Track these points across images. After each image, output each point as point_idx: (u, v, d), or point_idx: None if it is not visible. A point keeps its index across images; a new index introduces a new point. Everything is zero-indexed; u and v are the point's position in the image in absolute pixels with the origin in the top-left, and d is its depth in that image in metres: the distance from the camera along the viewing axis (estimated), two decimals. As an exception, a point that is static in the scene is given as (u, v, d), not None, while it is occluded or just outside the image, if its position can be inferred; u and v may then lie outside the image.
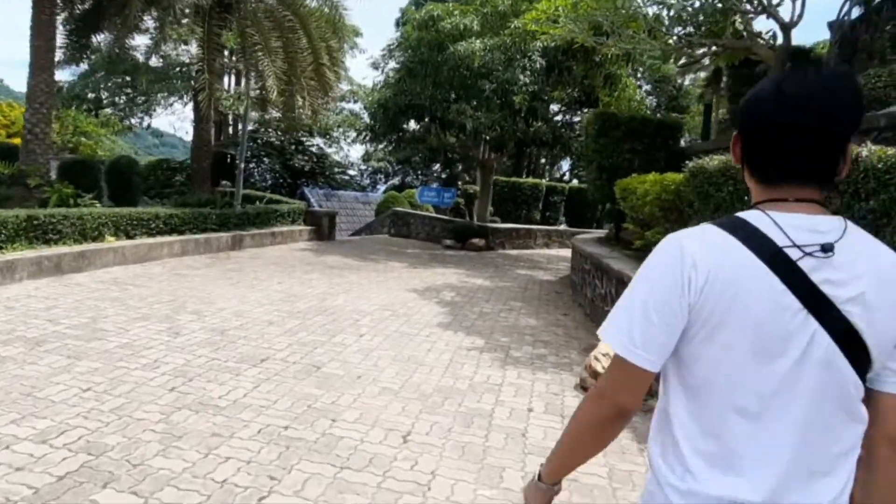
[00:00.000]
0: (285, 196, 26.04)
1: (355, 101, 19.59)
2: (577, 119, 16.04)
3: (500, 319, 7.99)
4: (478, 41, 13.32)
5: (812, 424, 1.04)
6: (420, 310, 8.10)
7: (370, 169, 36.09)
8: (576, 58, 14.06)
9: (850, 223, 1.07)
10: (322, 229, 15.36)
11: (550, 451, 1.29)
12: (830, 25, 10.51)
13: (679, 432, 1.11)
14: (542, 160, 33.44)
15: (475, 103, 14.47)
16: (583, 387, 5.17)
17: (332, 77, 12.99)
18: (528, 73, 13.19)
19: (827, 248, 1.02)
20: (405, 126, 16.35)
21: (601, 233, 14.73)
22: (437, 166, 35.23)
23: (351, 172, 33.67)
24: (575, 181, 30.80)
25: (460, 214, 19.68)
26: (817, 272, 1.02)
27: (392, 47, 14.82)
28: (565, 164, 41.14)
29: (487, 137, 15.07)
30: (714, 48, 10.12)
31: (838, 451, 1.07)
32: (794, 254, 1.03)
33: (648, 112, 17.71)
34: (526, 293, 10.26)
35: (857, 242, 1.06)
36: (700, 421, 1.09)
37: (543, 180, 24.78)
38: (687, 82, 25.16)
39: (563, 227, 21.54)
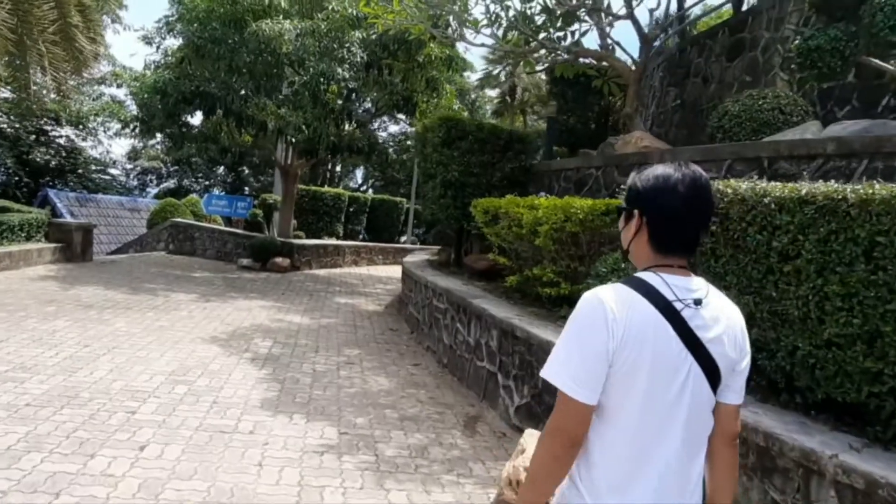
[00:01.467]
0: (22, 201, 20.62)
1: (119, 86, 15.77)
2: (394, 127, 14.38)
3: (343, 383, 5.99)
4: (287, 22, 11.03)
5: (689, 430, 1.43)
6: (229, 376, 5.75)
7: (138, 169, 30.76)
8: (396, 56, 12.48)
9: (710, 285, 1.50)
10: (73, 247, 11.68)
11: (521, 493, 1.53)
12: (643, 49, 10.24)
13: (593, 452, 1.44)
14: (338, 168, 31.48)
15: (280, 97, 12.09)
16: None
17: (85, 43, 9.61)
18: (347, 66, 11.25)
19: (698, 303, 1.43)
20: (188, 119, 13.28)
21: (422, 252, 13.32)
22: (221, 169, 31.27)
23: (113, 171, 28.19)
24: (370, 192, 29.44)
25: (256, 228, 16.93)
26: (692, 320, 1.41)
27: (172, 18, 11.74)
28: (359, 173, 39.67)
29: (294, 139, 12.79)
30: (560, 55, 9.25)
31: (701, 443, 1.49)
32: (678, 306, 1.41)
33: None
34: (358, 333, 8.34)
35: (715, 298, 1.49)
36: (607, 440, 1.43)
37: (345, 191, 22.88)
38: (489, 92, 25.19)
39: (370, 242, 19.84)
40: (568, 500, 1.46)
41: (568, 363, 1.39)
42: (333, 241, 16.32)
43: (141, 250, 15.54)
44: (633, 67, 9.00)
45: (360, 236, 22.91)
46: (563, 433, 1.40)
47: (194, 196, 19.54)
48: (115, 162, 28.60)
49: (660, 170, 1.49)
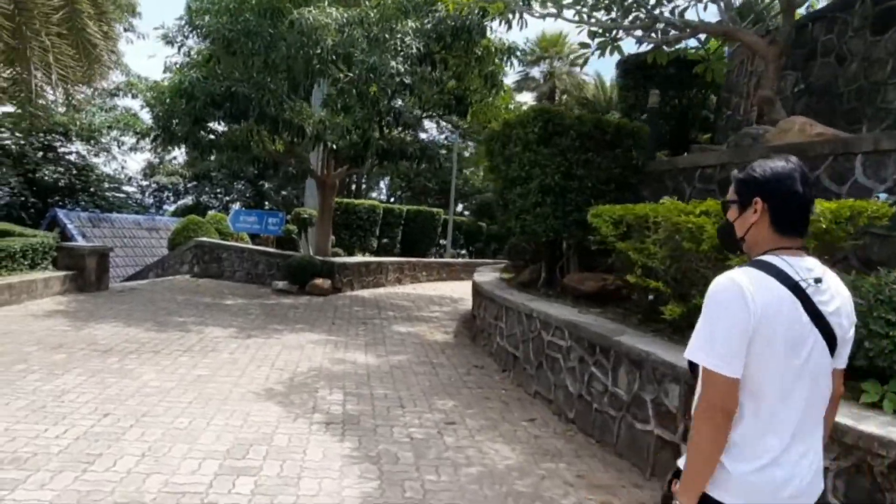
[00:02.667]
0: (29, 223, 19.22)
1: (133, 96, 14.38)
2: (440, 130, 12.68)
3: (456, 457, 4.36)
4: (333, 9, 9.50)
5: (814, 393, 1.62)
6: (304, 456, 4.12)
7: (154, 185, 29.42)
8: (451, 48, 10.91)
9: (822, 264, 1.67)
10: (86, 274, 10.15)
11: (684, 485, 1.63)
12: (787, 18, 8.54)
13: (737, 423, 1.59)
14: (364, 178, 30.02)
15: (324, 96, 10.54)
16: None
17: (99, 39, 8.11)
18: (401, 59, 9.67)
19: (818, 280, 1.59)
20: (214, 126, 11.77)
21: (486, 269, 11.67)
22: (241, 184, 29.87)
23: (129, 189, 26.83)
24: (395, 203, 27.89)
25: (287, 245, 15.38)
26: (815, 297, 1.58)
27: (197, 11, 10.22)
28: (383, 184, 38.14)
29: (336, 146, 11.23)
30: (665, 33, 7.63)
31: (823, 404, 1.67)
32: (803, 285, 1.57)
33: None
34: (440, 374, 6.69)
35: (830, 276, 1.66)
36: (745, 410, 1.59)
37: (379, 202, 21.32)
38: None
39: (412, 258, 18.24)
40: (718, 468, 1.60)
41: (713, 342, 1.55)
42: (375, 258, 14.71)
43: (163, 274, 14.02)
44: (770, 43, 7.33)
45: (395, 250, 21.33)
46: (717, 409, 1.55)
47: (217, 213, 18.02)
48: (130, 179, 27.27)
49: (773, 161, 1.67)
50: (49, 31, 7.75)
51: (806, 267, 1.60)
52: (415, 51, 9.81)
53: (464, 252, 25.28)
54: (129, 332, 7.42)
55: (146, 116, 11.79)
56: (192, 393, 5.28)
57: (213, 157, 11.43)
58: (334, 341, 7.91)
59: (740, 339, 1.51)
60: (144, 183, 28.43)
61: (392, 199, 31.64)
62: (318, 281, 12.22)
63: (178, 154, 29.28)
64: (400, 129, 11.41)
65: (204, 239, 13.98)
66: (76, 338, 6.92)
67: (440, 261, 17.98)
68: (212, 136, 10.56)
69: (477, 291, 9.03)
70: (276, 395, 5.43)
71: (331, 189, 13.43)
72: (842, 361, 1.69)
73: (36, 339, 6.67)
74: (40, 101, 9.37)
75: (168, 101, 10.54)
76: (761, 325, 1.51)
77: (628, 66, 11.60)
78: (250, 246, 14.05)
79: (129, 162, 55.67)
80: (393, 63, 9.53)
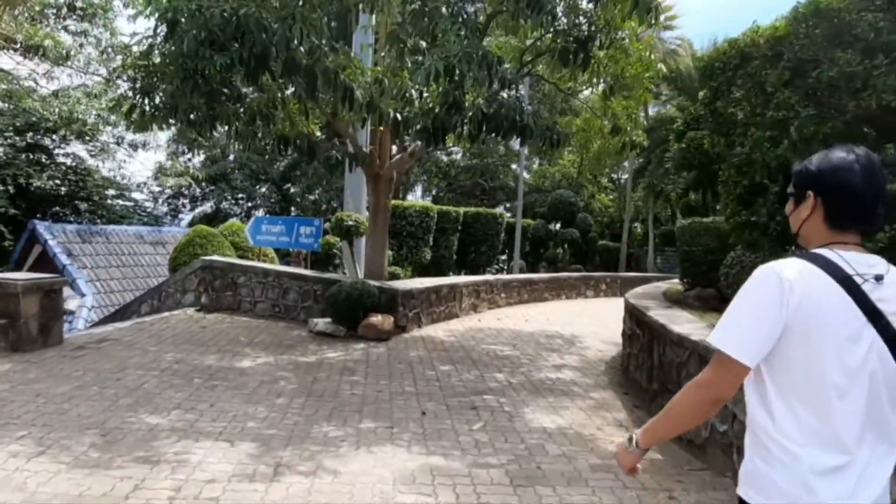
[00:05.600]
0: (9, 239, 15.70)
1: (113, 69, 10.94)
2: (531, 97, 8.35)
3: None
4: None
5: (873, 401, 1.43)
6: None
7: (168, 191, 25.92)
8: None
9: (889, 263, 1.51)
10: (22, 325, 6.39)
11: (649, 423, 1.62)
12: None
13: (782, 424, 1.46)
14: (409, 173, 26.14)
15: (391, 28, 6.65)
16: None
17: None
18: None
19: (879, 278, 1.44)
20: (220, 87, 7.80)
21: (650, 289, 7.62)
22: (264, 188, 26.23)
23: (138, 196, 23.32)
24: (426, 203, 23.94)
25: (326, 264, 11.55)
26: (873, 293, 1.42)
27: None
28: (419, 185, 34.06)
29: (402, 115, 7.36)
30: None
31: (889, 419, 1.46)
32: (858, 280, 1.42)
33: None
34: None
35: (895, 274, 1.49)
36: (793, 407, 1.45)
37: (433, 204, 17.45)
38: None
39: (487, 276, 14.33)
40: (761, 474, 1.50)
41: (737, 330, 1.47)
42: (445, 280, 10.74)
43: (160, 306, 10.30)
44: None
45: (451, 262, 17.40)
46: (712, 389, 1.50)
47: (236, 221, 14.24)
48: (139, 185, 23.79)
49: (835, 152, 1.54)
50: None
51: (865, 262, 1.47)
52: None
53: (522, 263, 21.22)
54: (46, 471, 3.56)
55: (122, 85, 7.95)
56: None
57: (216, 134, 7.49)
58: (445, 470, 3.96)
59: (767, 332, 1.44)
60: (157, 188, 24.90)
61: (432, 202, 27.73)
62: (376, 319, 8.32)
63: (192, 154, 25.77)
64: (495, 86, 7.45)
65: (214, 258, 10.20)
66: None
67: (520, 277, 13.96)
68: (213, 98, 6.58)
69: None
70: None
71: (387, 184, 9.53)
72: None
73: None
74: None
75: (149, 46, 6.74)
76: (799, 318, 1.41)
77: None
78: (277, 267, 10.20)
79: (135, 165, 52.29)
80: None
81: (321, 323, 8.45)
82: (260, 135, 7.96)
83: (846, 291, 1.41)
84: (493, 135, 7.36)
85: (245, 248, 11.97)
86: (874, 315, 1.42)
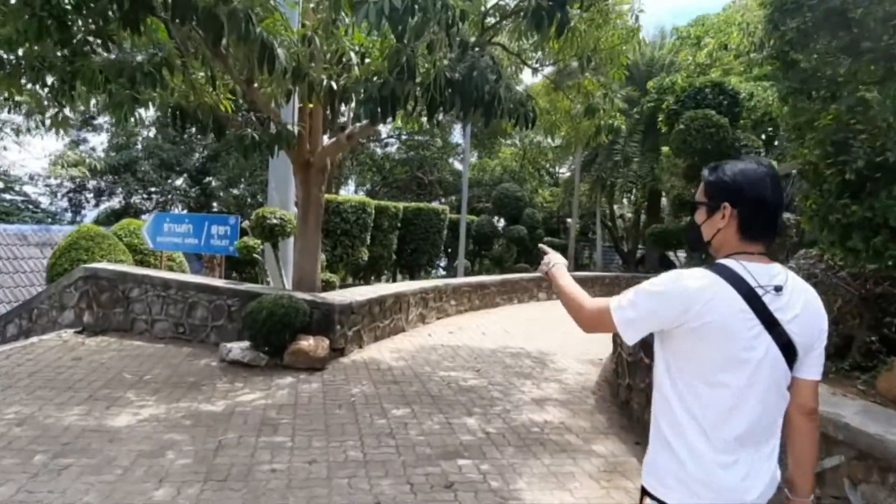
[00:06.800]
0: None
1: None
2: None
3: None
4: None
5: (765, 403, 1.57)
6: None
7: (68, 184, 22.88)
8: None
9: (789, 271, 1.61)
10: None
11: (565, 280, 1.88)
12: None
13: (684, 428, 1.60)
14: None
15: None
16: None
17: None
18: None
19: (778, 289, 1.55)
20: (86, 36, 5.75)
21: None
22: (180, 181, 23.63)
23: (30, 190, 20.28)
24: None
25: (241, 271, 9.68)
26: (772, 304, 1.54)
27: None
28: (351, 180, 31.93)
29: (336, 85, 5.69)
30: None
31: (776, 419, 1.62)
32: (760, 291, 1.53)
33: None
34: None
35: (794, 283, 1.59)
36: (690, 407, 1.59)
37: (369, 198, 15.67)
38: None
39: (437, 281, 12.79)
40: (662, 465, 1.62)
41: (633, 306, 1.63)
42: (390, 289, 9.02)
43: (30, 327, 8.17)
44: None
45: (390, 263, 15.75)
46: (585, 323, 1.75)
47: (133, 219, 11.92)
48: (32, 177, 20.72)
49: (744, 164, 1.63)
50: None
51: (767, 273, 1.58)
52: None
53: (466, 263, 19.81)
54: None
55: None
56: None
57: (79, 101, 5.49)
58: None
59: (653, 323, 1.60)
60: (54, 181, 21.85)
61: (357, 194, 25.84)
62: (307, 343, 6.59)
63: (93, 136, 22.88)
64: (455, 51, 5.88)
65: (100, 265, 8.14)
66: None
67: (471, 281, 12.42)
68: (71, 46, 4.66)
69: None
70: None
71: (319, 174, 7.79)
72: (810, 372, 1.64)
73: None
74: None
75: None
76: (702, 325, 1.52)
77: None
78: (181, 276, 8.22)
79: (28, 153, 47.64)
80: None
81: (236, 349, 6.64)
82: (153, 106, 6.02)
83: (747, 303, 1.53)
84: (457, 109, 5.76)
85: (146, 251, 9.90)
86: (771, 323, 1.54)
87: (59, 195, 23.24)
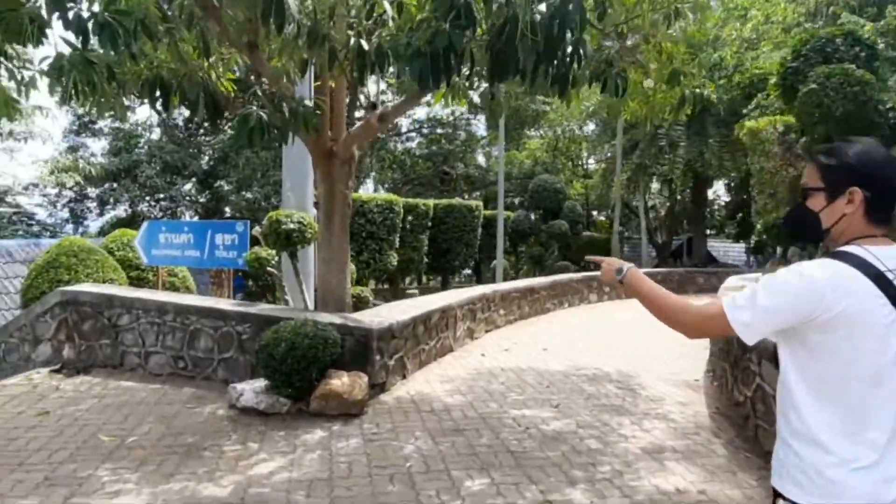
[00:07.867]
0: None
1: None
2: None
3: None
4: None
5: None
6: None
7: (69, 193, 21.63)
8: None
9: None
10: None
11: (644, 282, 1.72)
12: None
13: (814, 428, 1.47)
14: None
15: None
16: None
17: None
18: None
19: None
20: None
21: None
22: (188, 186, 22.31)
23: (25, 201, 19.02)
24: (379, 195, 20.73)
25: (257, 286, 8.23)
26: None
27: None
28: (370, 178, 30.42)
29: (367, 45, 4.22)
30: None
31: None
32: (890, 276, 1.42)
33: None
34: None
35: None
36: (825, 402, 1.46)
37: (397, 196, 14.15)
38: None
39: (483, 287, 11.24)
40: (793, 465, 1.50)
41: (752, 307, 1.49)
42: (436, 303, 7.43)
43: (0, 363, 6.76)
44: None
45: (422, 267, 14.25)
46: (692, 329, 1.60)
47: (127, 229, 10.50)
48: (27, 187, 19.46)
49: (865, 146, 1.53)
50: None
51: (893, 256, 1.48)
52: None
53: (505, 263, 18.23)
54: None
55: None
56: None
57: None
58: None
59: (778, 320, 1.48)
60: (53, 190, 20.58)
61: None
62: (340, 383, 5.09)
63: (93, 142, 21.57)
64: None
65: (80, 288, 6.69)
66: None
67: (519, 286, 10.84)
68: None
69: None
70: None
71: (344, 165, 6.29)
72: None
73: None
74: None
75: None
76: (841, 321, 1.41)
77: None
78: (180, 299, 6.72)
79: (23, 162, 46.51)
80: None
81: (249, 392, 5.16)
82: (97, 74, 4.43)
83: (878, 287, 1.42)
84: (539, 69, 4.23)
85: (143, 267, 8.47)
86: None
87: (58, 206, 22.00)
